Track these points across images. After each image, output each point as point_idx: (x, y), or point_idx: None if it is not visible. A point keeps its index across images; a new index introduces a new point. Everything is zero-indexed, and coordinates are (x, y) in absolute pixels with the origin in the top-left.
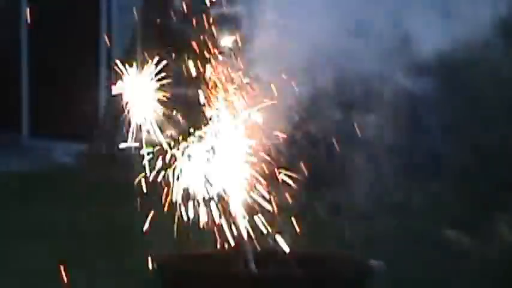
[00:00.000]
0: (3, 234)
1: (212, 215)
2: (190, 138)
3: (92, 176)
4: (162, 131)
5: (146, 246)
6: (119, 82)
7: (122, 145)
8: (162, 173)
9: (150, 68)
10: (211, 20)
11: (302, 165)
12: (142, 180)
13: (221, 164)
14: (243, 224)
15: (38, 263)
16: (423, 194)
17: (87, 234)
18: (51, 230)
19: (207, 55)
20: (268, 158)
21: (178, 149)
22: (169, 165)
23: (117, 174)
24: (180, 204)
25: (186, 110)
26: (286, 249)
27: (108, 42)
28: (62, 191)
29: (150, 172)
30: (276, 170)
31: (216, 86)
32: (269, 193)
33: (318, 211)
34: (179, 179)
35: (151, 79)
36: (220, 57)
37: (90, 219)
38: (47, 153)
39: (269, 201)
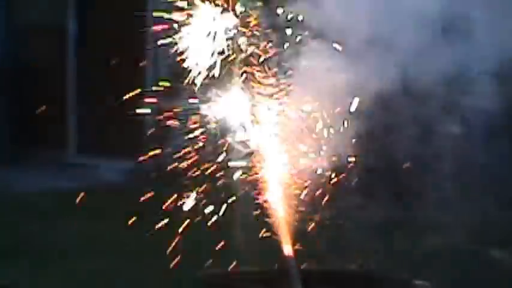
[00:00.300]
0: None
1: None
2: None
3: (140, 194)
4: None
5: (191, 262)
6: None
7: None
8: None
9: None
10: None
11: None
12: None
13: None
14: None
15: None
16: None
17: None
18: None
19: None
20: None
21: None
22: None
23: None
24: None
25: None
26: (333, 268)
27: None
28: (108, 208)
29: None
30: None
31: None
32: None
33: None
34: None
35: None
36: None
37: (136, 236)
38: (94, 170)
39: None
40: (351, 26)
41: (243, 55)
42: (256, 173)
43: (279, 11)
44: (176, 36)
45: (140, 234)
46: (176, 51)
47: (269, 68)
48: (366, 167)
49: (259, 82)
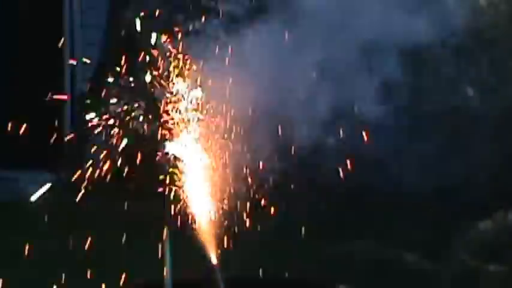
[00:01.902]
0: None
1: None
2: None
3: (60, 204)
4: None
5: (116, 273)
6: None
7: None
8: None
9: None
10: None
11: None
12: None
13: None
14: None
15: None
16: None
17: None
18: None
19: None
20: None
21: None
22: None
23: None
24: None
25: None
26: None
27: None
28: (29, 220)
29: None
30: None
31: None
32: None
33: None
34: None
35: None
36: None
37: (61, 247)
38: (13, 183)
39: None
40: None
41: None
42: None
43: None
44: None
45: (62, 247)
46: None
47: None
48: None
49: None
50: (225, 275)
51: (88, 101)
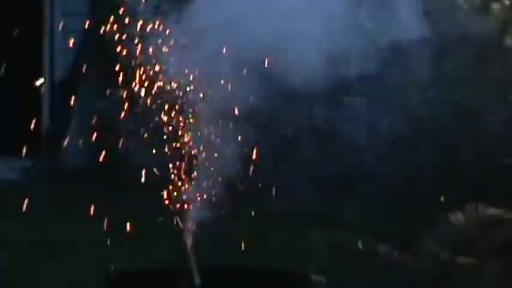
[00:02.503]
0: None
1: None
2: None
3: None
4: None
5: (91, 258)
6: None
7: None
8: None
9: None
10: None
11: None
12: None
13: None
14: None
15: None
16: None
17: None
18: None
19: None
20: None
21: None
22: None
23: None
24: None
25: None
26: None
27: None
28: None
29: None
30: None
31: None
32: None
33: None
34: None
35: None
36: None
37: (36, 232)
38: None
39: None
40: None
41: None
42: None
43: None
44: None
45: (38, 232)
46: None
47: None
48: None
49: None
50: (199, 266)
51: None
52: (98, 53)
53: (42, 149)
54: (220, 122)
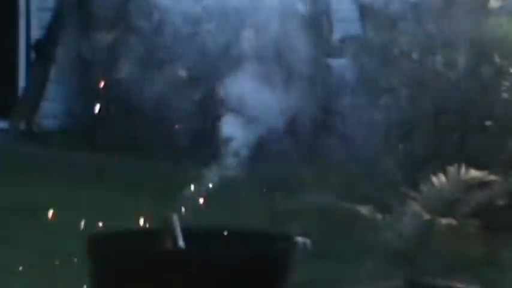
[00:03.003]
0: None
1: None
2: None
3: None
4: None
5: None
6: None
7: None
8: None
9: None
10: None
11: None
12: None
13: None
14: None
15: None
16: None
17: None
18: None
19: None
20: None
21: None
22: None
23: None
24: None
25: None
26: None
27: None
28: None
29: None
30: None
31: None
32: None
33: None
34: None
35: None
36: None
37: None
38: None
39: None
40: None
41: None
42: None
43: None
44: None
45: (20, 192)
46: None
47: None
48: None
49: None
50: (182, 226)
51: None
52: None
53: (18, 111)
54: None
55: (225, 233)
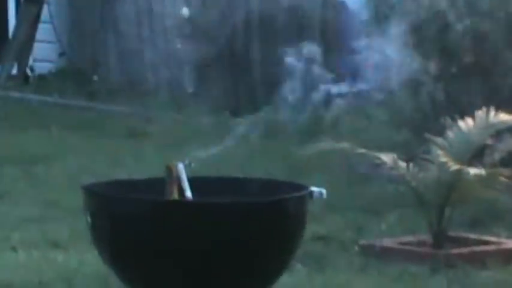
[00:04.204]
0: None
1: None
2: None
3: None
4: None
5: (66, 172)
6: None
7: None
8: None
9: None
10: None
11: None
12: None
13: None
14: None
15: None
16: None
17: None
18: None
19: None
20: None
21: None
22: None
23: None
24: None
25: None
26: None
27: None
28: None
29: None
30: None
31: None
32: None
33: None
34: None
35: None
36: None
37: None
38: None
39: None
40: None
41: None
42: None
43: None
44: None
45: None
46: None
47: None
48: None
49: None
50: (189, 176)
51: None
52: None
53: (9, 54)
54: None
55: (236, 183)
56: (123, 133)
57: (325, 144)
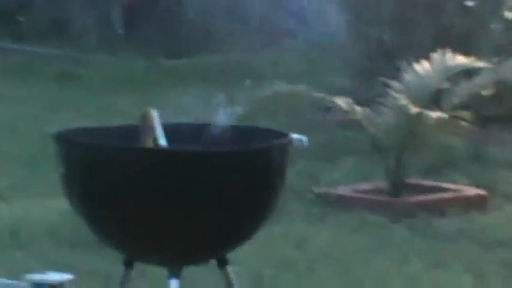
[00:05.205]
0: None
1: None
2: None
3: None
4: None
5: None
6: None
7: None
8: None
9: None
10: None
11: None
12: None
13: None
14: None
15: None
16: None
17: None
18: None
19: None
20: None
21: None
22: None
23: None
24: None
25: None
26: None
27: None
28: None
29: None
30: None
31: None
32: None
33: None
34: None
35: None
36: None
37: None
38: None
39: None
40: None
41: None
42: None
43: None
44: None
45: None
46: None
47: None
48: None
49: None
50: (165, 122)
51: None
52: None
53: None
54: None
55: (211, 130)
56: (55, 77)
57: (281, 87)
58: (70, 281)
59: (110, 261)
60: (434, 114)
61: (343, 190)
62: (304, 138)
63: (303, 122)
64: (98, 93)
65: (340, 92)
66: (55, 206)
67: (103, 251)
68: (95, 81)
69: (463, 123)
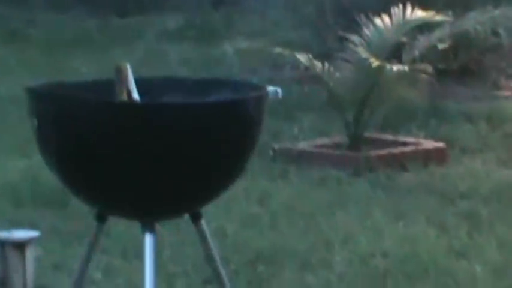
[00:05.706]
0: None
1: None
2: None
3: None
4: None
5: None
6: None
7: None
8: None
9: None
10: None
11: None
12: None
13: None
14: None
15: None
16: None
17: None
18: None
19: None
20: None
21: None
22: None
23: None
24: None
25: None
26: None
27: None
28: None
29: None
30: None
31: None
32: None
33: None
34: None
35: None
36: None
37: None
38: None
39: None
40: None
41: None
42: None
43: None
44: None
45: None
46: None
47: None
48: None
49: None
50: (136, 76)
51: None
52: None
53: None
54: None
55: (185, 83)
56: (3, 37)
57: (242, 43)
58: (35, 239)
59: (72, 219)
60: (395, 67)
61: (303, 146)
62: (279, 89)
63: (259, 79)
64: (50, 53)
65: (297, 48)
66: (15, 166)
67: (64, 209)
68: (46, 41)
69: (424, 76)
